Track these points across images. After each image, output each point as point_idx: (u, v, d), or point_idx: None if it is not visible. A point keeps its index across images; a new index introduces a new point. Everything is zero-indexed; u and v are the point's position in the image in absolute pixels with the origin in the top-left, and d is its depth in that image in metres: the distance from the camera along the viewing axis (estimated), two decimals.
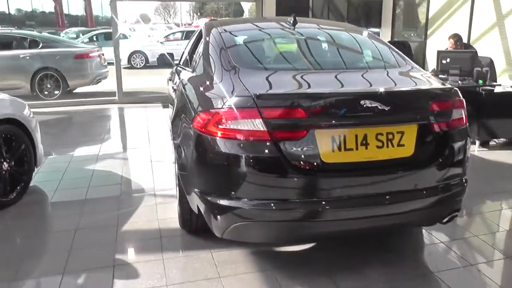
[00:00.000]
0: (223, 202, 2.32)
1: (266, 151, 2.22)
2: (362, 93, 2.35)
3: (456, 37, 5.72)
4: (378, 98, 2.28)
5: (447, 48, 5.71)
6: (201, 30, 3.88)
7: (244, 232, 2.37)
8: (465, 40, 6.43)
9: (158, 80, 12.29)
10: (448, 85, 2.67)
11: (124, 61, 14.28)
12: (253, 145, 2.23)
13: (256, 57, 2.94)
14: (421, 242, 3.07)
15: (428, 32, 8.36)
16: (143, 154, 5.11)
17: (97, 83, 9.28)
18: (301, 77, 2.63)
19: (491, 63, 5.55)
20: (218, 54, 2.89)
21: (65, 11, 29.11)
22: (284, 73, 2.70)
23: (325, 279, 2.57)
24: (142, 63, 15.89)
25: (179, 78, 3.88)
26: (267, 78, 2.56)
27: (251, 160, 2.24)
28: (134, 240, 3.07)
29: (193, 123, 2.50)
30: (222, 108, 2.32)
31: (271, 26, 3.54)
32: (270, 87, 2.45)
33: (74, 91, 9.30)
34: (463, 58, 5.09)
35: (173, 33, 18.82)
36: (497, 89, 5.29)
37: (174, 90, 3.64)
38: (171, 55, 4.92)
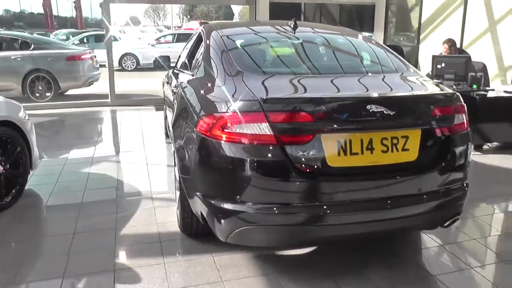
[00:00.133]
0: (228, 206, 2.31)
1: (273, 155, 2.21)
2: (369, 98, 2.37)
3: (450, 42, 5.78)
4: (384, 103, 2.30)
5: (441, 53, 5.78)
6: (200, 33, 3.87)
7: (249, 236, 2.37)
8: (458, 45, 6.50)
9: (150, 83, 12.30)
10: (450, 90, 2.70)
11: (115, 63, 14.16)
12: (259, 149, 2.22)
13: (259, 61, 2.94)
14: (421, 245, 3.08)
15: (421, 37, 8.44)
16: (138, 157, 5.07)
17: (89, 85, 9.20)
18: (306, 81, 2.64)
19: (484, 68, 5.63)
20: (220, 57, 2.88)
21: (54, 13, 28.83)
22: (288, 77, 2.70)
23: (329, 282, 2.57)
24: (133, 65, 15.82)
25: (178, 81, 3.86)
26: (271, 82, 2.56)
27: (257, 164, 2.23)
28: (134, 244, 3.04)
29: (196, 127, 2.48)
30: (227, 112, 2.31)
31: (272, 30, 3.54)
32: (276, 91, 2.44)
33: (65, 93, 9.21)
34: (457, 63, 5.15)
35: (164, 36, 18.76)
36: (490, 94, 5.35)
37: (174, 93, 3.62)
38: (168, 58, 4.88)
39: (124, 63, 15.61)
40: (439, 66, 5.18)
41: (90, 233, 3.19)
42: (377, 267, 2.75)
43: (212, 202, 2.39)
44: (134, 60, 15.80)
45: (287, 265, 2.79)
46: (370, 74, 2.92)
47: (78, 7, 27.81)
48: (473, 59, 5.66)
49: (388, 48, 3.25)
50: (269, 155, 2.22)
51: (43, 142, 5.36)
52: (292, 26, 3.34)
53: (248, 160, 2.23)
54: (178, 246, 3.03)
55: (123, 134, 6.18)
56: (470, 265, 2.80)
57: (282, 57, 3.05)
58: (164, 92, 5.41)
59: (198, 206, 2.59)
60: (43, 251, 2.99)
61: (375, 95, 2.45)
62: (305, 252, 2.91)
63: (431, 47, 7.96)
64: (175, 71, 4.51)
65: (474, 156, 5.16)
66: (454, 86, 5.06)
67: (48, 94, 8.45)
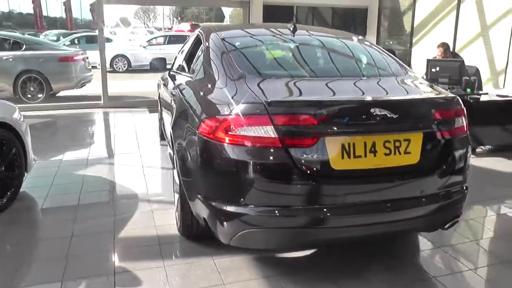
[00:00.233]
0: (231, 208, 2.31)
1: (277, 158, 2.21)
2: (373, 101, 2.38)
3: (445, 46, 5.85)
4: (388, 106, 2.31)
5: (435, 57, 5.84)
6: (198, 36, 3.87)
7: (253, 239, 2.36)
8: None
9: (142, 84, 12.25)
10: (451, 94, 2.73)
11: (106, 65, 14.11)
12: (263, 151, 2.22)
13: (260, 63, 2.94)
14: (420, 247, 3.10)
15: (413, 41, 8.52)
16: (134, 159, 5.04)
17: (81, 87, 9.12)
18: (308, 84, 2.65)
19: (477, 72, 5.69)
20: (222, 59, 2.88)
21: (44, 13, 28.52)
22: (290, 80, 2.70)
23: (329, 285, 2.58)
24: (125, 67, 15.76)
25: (176, 83, 3.84)
26: (274, 85, 2.57)
27: (261, 167, 2.23)
28: (133, 247, 3.01)
29: (199, 129, 2.48)
30: (230, 114, 2.31)
31: (272, 33, 3.54)
32: (280, 94, 2.45)
33: (57, 95, 9.12)
34: (452, 67, 5.21)
35: (156, 38, 18.69)
36: (483, 98, 5.41)
37: (173, 95, 3.60)
38: (164, 59, 4.86)
39: (115, 64, 15.53)
40: (433, 70, 5.23)
41: (88, 236, 3.15)
42: (377, 269, 2.76)
43: (215, 204, 2.39)
44: (126, 61, 15.74)
45: (287, 267, 2.79)
46: (371, 77, 2.94)
47: (68, 8, 27.58)
48: (465, 63, 5.73)
49: (388, 52, 3.28)
50: (274, 157, 2.22)
51: (36, 144, 5.25)
52: (291, 29, 3.35)
53: (252, 163, 2.23)
54: (177, 249, 3.02)
55: (117, 136, 6.14)
56: (468, 267, 2.83)
57: (283, 60, 3.05)
58: (159, 94, 5.40)
59: (200, 209, 2.58)
60: (41, 254, 2.95)
61: (379, 98, 2.47)
62: (305, 255, 2.92)
63: (423, 51, 8.05)
64: (172, 73, 4.49)
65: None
66: (448, 90, 5.11)
67: (40, 95, 8.35)
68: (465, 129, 2.64)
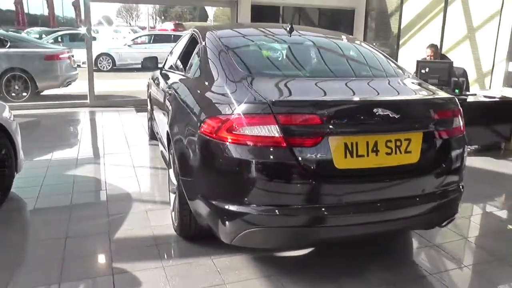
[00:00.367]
0: (234, 208, 2.30)
1: (282, 157, 2.22)
2: (376, 102, 2.41)
3: (435, 47, 5.94)
4: (390, 106, 2.34)
5: (424, 58, 5.92)
6: (192, 35, 3.85)
7: (256, 238, 2.36)
8: None
9: (128, 84, 12.13)
10: (448, 95, 2.77)
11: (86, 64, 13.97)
12: (268, 151, 2.22)
13: (260, 63, 2.95)
14: (416, 246, 3.14)
15: (400, 42, 8.62)
16: (124, 159, 4.98)
17: (67, 86, 8.98)
18: (310, 84, 2.66)
19: (464, 73, 5.79)
20: (221, 59, 2.87)
21: (25, 10, 27.95)
22: (291, 79, 2.71)
23: (329, 283, 2.59)
24: (109, 66, 15.59)
25: (170, 82, 3.82)
26: (276, 85, 2.57)
27: (265, 166, 2.23)
28: (130, 247, 2.97)
29: (200, 129, 2.46)
30: (234, 114, 2.30)
31: (270, 33, 3.54)
32: (284, 94, 2.45)
33: (42, 94, 8.96)
34: (441, 68, 5.29)
35: (141, 36, 18.53)
36: (470, 99, 5.51)
37: (168, 94, 3.56)
38: (155, 58, 4.82)
39: (99, 63, 15.34)
40: (423, 71, 5.30)
41: (83, 237, 3.10)
42: (376, 268, 2.78)
43: (217, 204, 2.38)
44: (110, 60, 15.56)
45: (287, 266, 2.79)
46: (371, 78, 2.96)
47: (50, 5, 27.10)
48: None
49: (385, 54, 3.32)
50: (278, 157, 2.22)
51: (23, 143, 5.19)
52: (288, 29, 3.36)
53: (257, 162, 2.22)
54: (175, 249, 2.99)
55: (105, 136, 6.06)
56: (464, 263, 2.90)
57: (283, 60, 3.06)
58: (150, 93, 5.34)
59: (201, 209, 2.57)
60: (35, 256, 2.88)
61: (382, 98, 2.49)
62: (302, 254, 2.92)
63: (410, 52, 8.14)
64: (164, 72, 4.46)
65: None
66: None
67: (24, 94, 8.19)
68: (462, 129, 2.69)
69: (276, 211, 2.26)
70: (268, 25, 3.76)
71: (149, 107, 5.77)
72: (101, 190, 4.02)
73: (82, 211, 3.56)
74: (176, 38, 17.14)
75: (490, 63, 6.49)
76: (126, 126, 6.73)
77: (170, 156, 3.21)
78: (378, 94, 2.63)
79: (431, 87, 2.95)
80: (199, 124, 2.52)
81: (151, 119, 5.51)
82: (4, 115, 3.69)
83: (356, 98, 2.51)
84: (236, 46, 3.13)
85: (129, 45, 16.48)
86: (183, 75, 3.53)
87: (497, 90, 5.98)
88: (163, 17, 55.15)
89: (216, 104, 2.54)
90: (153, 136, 5.63)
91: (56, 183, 4.16)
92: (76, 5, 26.20)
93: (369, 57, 3.24)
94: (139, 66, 15.21)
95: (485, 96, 5.59)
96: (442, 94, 2.80)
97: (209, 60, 2.99)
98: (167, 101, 3.57)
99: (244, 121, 2.24)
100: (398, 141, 2.39)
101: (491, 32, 6.57)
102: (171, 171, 3.25)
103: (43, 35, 17.10)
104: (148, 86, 5.65)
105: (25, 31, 19.42)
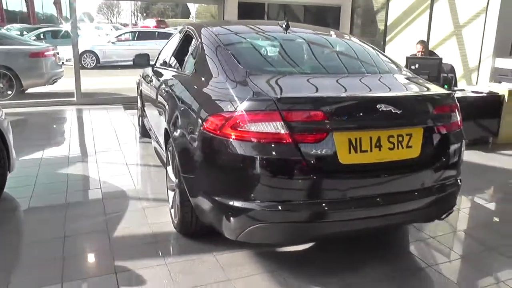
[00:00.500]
0: (241, 204, 2.31)
1: (287, 153, 2.23)
2: (379, 98, 2.45)
3: (424, 43, 6.03)
4: (393, 102, 2.38)
5: (415, 54, 6.00)
6: (186, 32, 3.84)
7: (261, 234, 2.37)
8: None
9: (113, 81, 12.01)
10: (446, 90, 2.82)
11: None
12: (273, 147, 2.23)
13: (260, 59, 2.96)
14: (413, 238, 3.19)
15: (387, 39, 8.72)
16: (116, 157, 4.94)
17: (52, 83, 8.84)
18: (312, 81, 2.68)
19: (452, 69, 5.90)
20: (220, 56, 2.87)
21: (3, 6, 27.31)
22: (292, 76, 2.73)
23: (332, 277, 2.62)
24: (93, 63, 15.40)
25: (164, 80, 3.79)
26: (279, 81, 2.58)
27: (271, 162, 2.24)
28: (130, 245, 2.96)
29: (203, 126, 2.46)
30: (238, 110, 2.30)
31: (268, 29, 3.54)
32: (287, 90, 2.46)
33: (27, 92, 8.80)
34: (431, 64, 5.37)
35: (125, 33, 18.33)
36: (458, 94, 5.61)
37: (165, 91, 3.53)
38: (146, 55, 4.78)
39: (83, 61, 15.12)
40: (413, 67, 5.38)
41: (81, 236, 3.07)
42: (376, 262, 2.82)
43: (222, 200, 2.38)
44: (94, 58, 15.38)
45: (288, 261, 2.81)
46: (371, 74, 2.99)
47: (30, 1, 26.54)
48: None
49: (381, 51, 3.36)
50: (284, 153, 2.23)
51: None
52: (284, 26, 3.37)
53: (262, 159, 2.23)
54: (176, 246, 2.99)
55: (96, 134, 5.99)
56: (460, 255, 2.98)
57: (282, 57, 3.07)
58: (141, 91, 5.30)
59: (204, 205, 2.57)
60: (35, 256, 2.83)
61: (385, 95, 2.53)
62: (302, 249, 2.95)
63: (397, 49, 8.24)
64: (157, 69, 4.43)
65: None
66: None
67: (9, 92, 8.03)
68: (460, 123, 2.75)
69: (283, 207, 2.28)
70: (263, 22, 3.76)
71: (139, 104, 5.73)
72: (96, 189, 3.97)
73: (78, 209, 3.52)
74: (160, 35, 17.15)
75: (477, 59, 6.63)
76: (115, 123, 6.66)
77: (169, 153, 3.20)
78: (381, 90, 2.67)
79: (428, 82, 3.00)
80: (201, 121, 2.51)
81: (142, 116, 5.47)
82: None
83: (359, 94, 2.54)
84: (234, 42, 3.13)
85: (113, 42, 16.31)
86: (179, 73, 3.51)
87: (484, 86, 6.10)
88: (145, 14, 54.61)
89: (218, 101, 2.54)
90: (144, 133, 5.59)
91: (49, 182, 4.10)
92: (57, 2, 25.73)
93: (368, 54, 3.27)
94: (124, 63, 15.20)
95: (473, 92, 5.70)
96: (439, 89, 2.86)
97: (207, 57, 2.99)
98: (163, 99, 3.55)
99: (249, 117, 2.25)
100: (400, 136, 2.43)
101: (477, 29, 6.70)
102: (170, 168, 3.24)
103: (24, 32, 16.76)
104: (139, 83, 5.60)
105: (4, 27, 19.00)
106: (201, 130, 2.48)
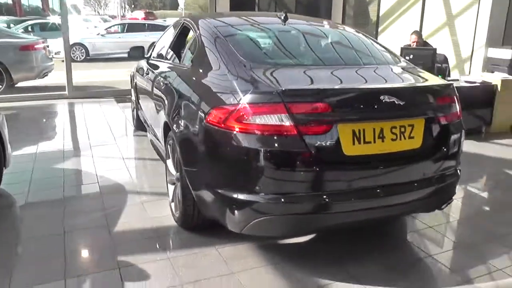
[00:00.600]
0: (246, 197, 2.31)
1: (293, 145, 2.23)
2: (383, 89, 2.46)
3: (419, 34, 6.05)
4: (396, 93, 2.39)
5: (409, 44, 6.02)
6: (183, 24, 3.81)
7: (266, 227, 2.38)
8: None
9: (104, 74, 11.88)
10: (446, 81, 2.84)
11: (63, 54, 13.61)
12: (279, 139, 2.23)
13: (261, 51, 2.94)
14: (411, 228, 3.22)
15: (379, 30, 8.72)
16: (112, 151, 4.90)
17: (43, 77, 8.72)
18: (314, 72, 2.67)
19: (445, 60, 5.93)
20: (221, 48, 2.85)
21: None
22: (295, 68, 2.73)
23: (336, 268, 2.63)
24: (83, 56, 15.22)
25: (162, 73, 3.75)
26: (282, 73, 2.58)
27: (277, 155, 2.24)
28: (132, 240, 2.94)
29: (207, 119, 2.44)
30: (242, 103, 2.29)
31: (267, 21, 3.52)
32: (292, 82, 2.46)
33: (17, 85, 8.67)
34: (425, 54, 5.39)
35: (114, 26, 18.11)
36: None
37: (164, 84, 3.49)
38: (142, 48, 4.74)
39: (72, 53, 14.90)
40: (407, 58, 5.38)
41: (81, 232, 3.05)
42: (378, 252, 2.84)
43: (227, 194, 2.38)
44: (84, 50, 15.19)
45: (291, 253, 2.82)
46: (374, 66, 2.99)
47: None
48: None
49: (379, 42, 3.36)
50: (289, 145, 2.23)
51: None
52: (282, 18, 3.36)
53: (267, 151, 2.23)
54: (178, 240, 2.98)
55: (89, 128, 5.93)
56: (458, 243, 3.02)
57: (283, 48, 3.06)
58: (136, 83, 5.25)
59: (207, 198, 2.56)
60: (35, 253, 2.80)
61: (388, 86, 2.54)
62: (305, 241, 2.95)
63: (389, 40, 8.25)
64: (153, 62, 4.38)
65: None
66: None
67: None
68: (459, 114, 2.77)
69: (288, 199, 2.28)
70: (262, 13, 3.75)
71: (133, 97, 5.68)
72: (93, 183, 3.94)
73: (76, 205, 3.50)
74: (150, 28, 17.00)
75: (469, 49, 6.66)
76: (108, 117, 6.60)
77: (168, 147, 3.18)
78: (383, 81, 2.68)
79: (427, 73, 3.01)
80: (204, 114, 2.50)
81: (137, 109, 5.43)
82: None
83: (363, 86, 2.55)
84: (234, 34, 3.11)
85: (102, 35, 16.11)
86: (178, 65, 3.48)
87: (477, 75, 6.14)
88: (133, 6, 53.99)
89: (221, 93, 2.52)
90: (138, 126, 5.55)
91: (45, 177, 4.06)
92: None
93: (367, 45, 3.27)
94: (114, 56, 15.02)
95: (466, 82, 5.74)
96: (440, 80, 2.87)
97: (206, 49, 2.96)
98: (162, 92, 3.51)
99: (254, 110, 2.24)
100: (403, 127, 2.44)
101: (470, 19, 6.73)
102: (169, 161, 3.22)
103: (12, 25, 16.47)
104: (133, 76, 5.55)
105: None
106: (204, 123, 2.47)
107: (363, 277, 2.56)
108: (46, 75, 8.82)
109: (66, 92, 7.92)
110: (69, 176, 4.11)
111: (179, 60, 3.52)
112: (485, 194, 4.07)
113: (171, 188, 3.23)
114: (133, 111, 5.88)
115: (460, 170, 2.85)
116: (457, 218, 3.44)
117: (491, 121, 5.84)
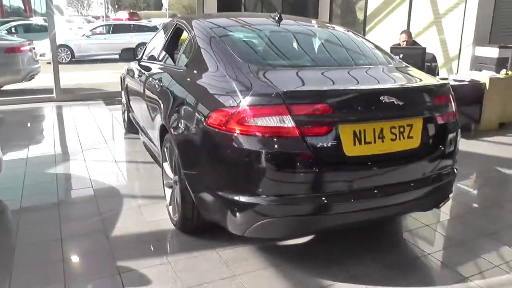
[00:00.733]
0: (247, 199, 2.31)
1: (295, 147, 2.24)
2: (382, 90, 2.47)
3: (409, 33, 6.11)
4: (395, 93, 2.41)
5: (399, 44, 6.08)
6: (176, 25, 3.78)
7: (268, 229, 2.38)
8: None
9: (91, 76, 11.74)
10: (442, 81, 2.88)
11: (48, 56, 13.40)
12: (281, 141, 2.23)
13: (259, 52, 2.93)
14: (409, 227, 3.25)
15: (367, 29, 8.79)
16: (104, 154, 4.85)
17: (30, 80, 8.59)
18: (314, 73, 2.68)
19: (434, 59, 6.00)
20: (217, 49, 2.84)
21: None
22: (293, 69, 2.72)
23: (337, 268, 2.65)
24: (68, 58, 15.03)
25: (156, 74, 3.72)
26: (282, 75, 2.58)
27: (279, 156, 2.24)
28: (130, 244, 2.92)
29: (207, 122, 2.43)
30: (242, 105, 2.29)
31: (263, 22, 3.51)
32: (293, 84, 2.46)
33: (2, 89, 8.53)
34: (415, 54, 5.45)
35: (99, 26, 17.94)
36: None
37: (159, 86, 3.45)
38: (133, 49, 4.70)
39: (57, 55, 14.75)
40: (397, 57, 5.43)
41: (78, 237, 3.01)
42: (377, 251, 2.87)
43: (228, 196, 2.37)
44: (69, 52, 15.00)
45: (292, 255, 2.83)
46: (371, 66, 3.02)
47: None
48: None
49: (374, 42, 3.39)
50: (291, 147, 2.24)
51: None
52: (276, 18, 3.36)
53: (269, 153, 2.23)
54: (177, 244, 2.97)
55: (80, 131, 5.86)
56: (455, 241, 3.05)
57: (280, 49, 3.06)
58: (127, 85, 5.19)
59: (208, 201, 2.55)
60: (33, 259, 2.76)
61: (387, 86, 2.56)
62: (305, 242, 2.96)
63: (376, 39, 8.31)
64: (145, 64, 4.35)
65: None
66: None
67: None
68: (455, 113, 2.81)
69: (290, 201, 2.29)
70: (256, 14, 3.74)
71: (124, 100, 5.62)
72: (87, 187, 3.90)
73: (71, 210, 3.46)
74: (136, 28, 16.86)
75: (457, 48, 6.76)
76: (98, 120, 6.53)
77: (166, 150, 3.16)
78: (382, 81, 2.70)
79: (423, 73, 3.05)
80: (204, 117, 2.49)
81: (128, 111, 5.38)
82: None
83: (363, 87, 2.57)
84: (230, 35, 3.10)
85: (87, 36, 15.94)
86: (172, 67, 3.45)
87: (466, 74, 6.23)
88: (116, 6, 53.47)
89: (221, 96, 2.51)
90: (129, 129, 5.51)
91: (38, 182, 4.00)
92: None
93: (364, 46, 3.30)
94: (100, 57, 14.84)
95: (455, 80, 5.82)
96: (436, 80, 2.91)
97: (203, 50, 2.95)
98: (157, 94, 3.48)
99: (256, 112, 2.24)
100: (402, 127, 2.47)
101: (457, 18, 6.82)
102: (166, 164, 3.20)
103: None
104: (123, 79, 5.50)
105: None
106: (204, 125, 2.46)
107: (364, 276, 2.58)
108: (33, 78, 8.69)
109: (54, 95, 7.83)
110: (62, 180, 4.06)
111: (174, 62, 3.50)
112: (476, 192, 4.13)
113: (168, 191, 3.21)
114: (123, 113, 5.83)
115: (456, 169, 2.89)
116: (450, 216, 3.47)
117: (480, 118, 5.92)
